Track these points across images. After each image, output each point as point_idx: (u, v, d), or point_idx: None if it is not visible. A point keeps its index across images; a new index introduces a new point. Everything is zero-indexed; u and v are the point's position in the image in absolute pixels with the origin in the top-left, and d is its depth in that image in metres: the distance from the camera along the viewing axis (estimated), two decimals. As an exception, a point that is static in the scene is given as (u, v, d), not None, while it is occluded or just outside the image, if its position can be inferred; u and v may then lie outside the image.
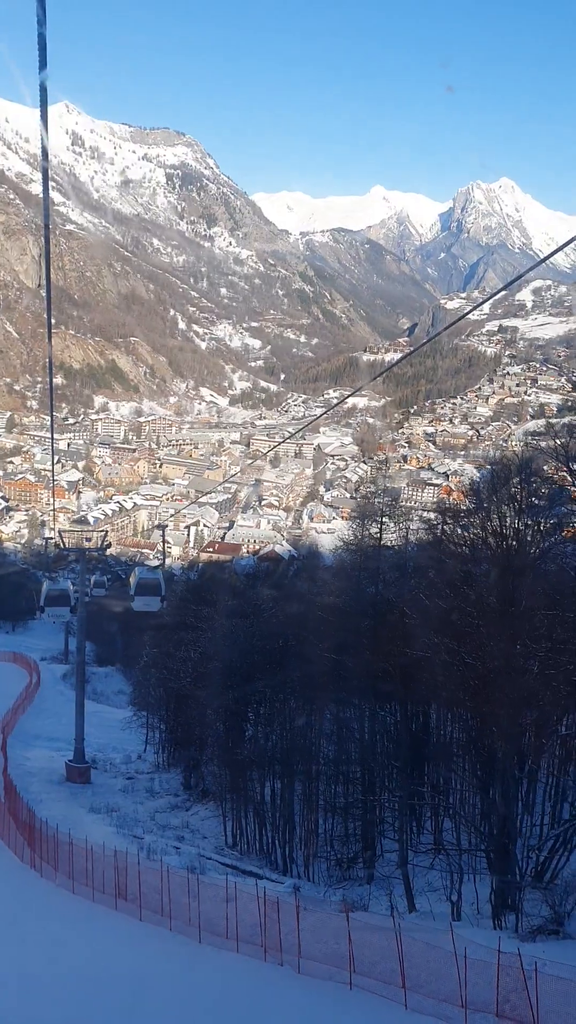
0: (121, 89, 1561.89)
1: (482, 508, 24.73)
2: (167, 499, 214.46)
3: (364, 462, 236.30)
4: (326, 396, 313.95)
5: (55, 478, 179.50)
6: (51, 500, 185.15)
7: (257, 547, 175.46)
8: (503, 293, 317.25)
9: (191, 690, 42.51)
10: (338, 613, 32.46)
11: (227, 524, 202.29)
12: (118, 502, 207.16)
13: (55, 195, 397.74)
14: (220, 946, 18.92)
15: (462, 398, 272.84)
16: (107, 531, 73.28)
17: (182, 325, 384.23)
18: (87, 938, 21.95)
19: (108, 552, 73.33)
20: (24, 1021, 16.12)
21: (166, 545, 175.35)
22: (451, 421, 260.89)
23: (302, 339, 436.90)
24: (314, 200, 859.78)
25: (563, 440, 27.45)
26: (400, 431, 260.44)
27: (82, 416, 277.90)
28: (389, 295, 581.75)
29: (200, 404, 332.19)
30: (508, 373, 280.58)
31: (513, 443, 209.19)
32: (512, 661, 20.72)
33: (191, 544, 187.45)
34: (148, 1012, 16.41)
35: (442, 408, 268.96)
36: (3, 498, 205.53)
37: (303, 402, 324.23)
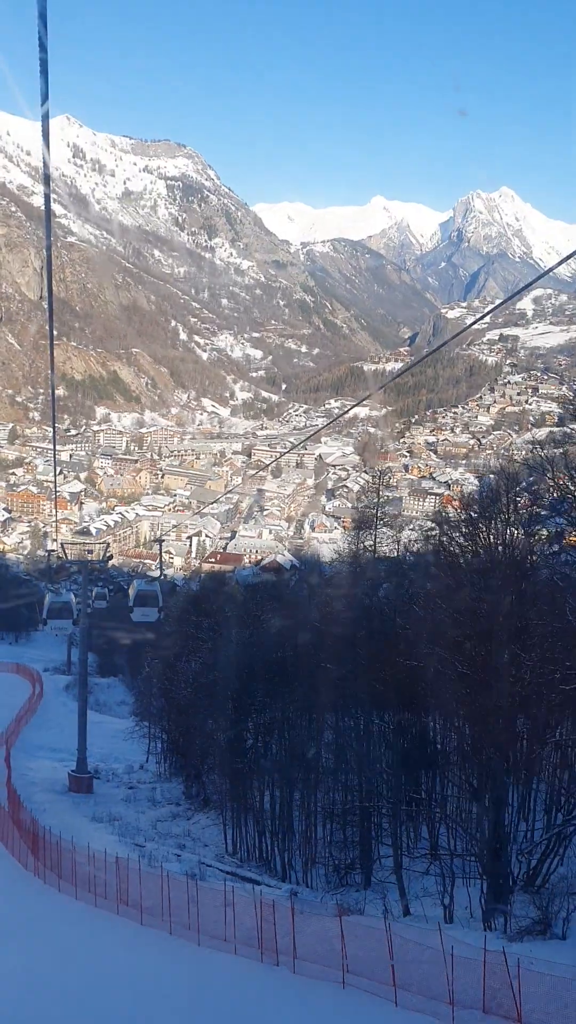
0: (122, 101, 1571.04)
1: (471, 521, 25.29)
2: (169, 510, 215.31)
3: (365, 472, 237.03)
4: (327, 406, 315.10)
5: (57, 489, 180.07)
6: (53, 511, 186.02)
7: (259, 557, 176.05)
8: (502, 300, 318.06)
9: (192, 700, 43.10)
10: (333, 623, 33.04)
11: (229, 534, 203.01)
12: (120, 513, 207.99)
13: (56, 207, 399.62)
14: (218, 948, 19.49)
15: (463, 407, 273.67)
16: (108, 543, 73.90)
17: (183, 336, 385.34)
18: (90, 942, 22.52)
19: (110, 563, 73.95)
20: (30, 1022, 16.64)
21: (168, 556, 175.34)
22: (452, 430, 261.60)
23: (303, 349, 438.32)
24: (315, 210, 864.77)
25: (564, 448, 27.96)
26: (401, 440, 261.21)
27: (84, 427, 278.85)
28: (390, 305, 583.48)
29: (202, 415, 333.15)
30: (509, 382, 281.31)
31: (514, 452, 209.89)
32: (503, 671, 21.28)
33: (193, 554, 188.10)
34: (148, 1011, 16.95)
35: (443, 417, 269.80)
36: (6, 510, 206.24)
37: (304, 412, 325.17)
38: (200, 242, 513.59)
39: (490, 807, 21.68)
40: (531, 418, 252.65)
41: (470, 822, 25.55)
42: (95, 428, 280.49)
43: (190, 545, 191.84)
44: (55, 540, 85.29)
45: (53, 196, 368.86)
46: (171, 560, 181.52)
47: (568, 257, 9.42)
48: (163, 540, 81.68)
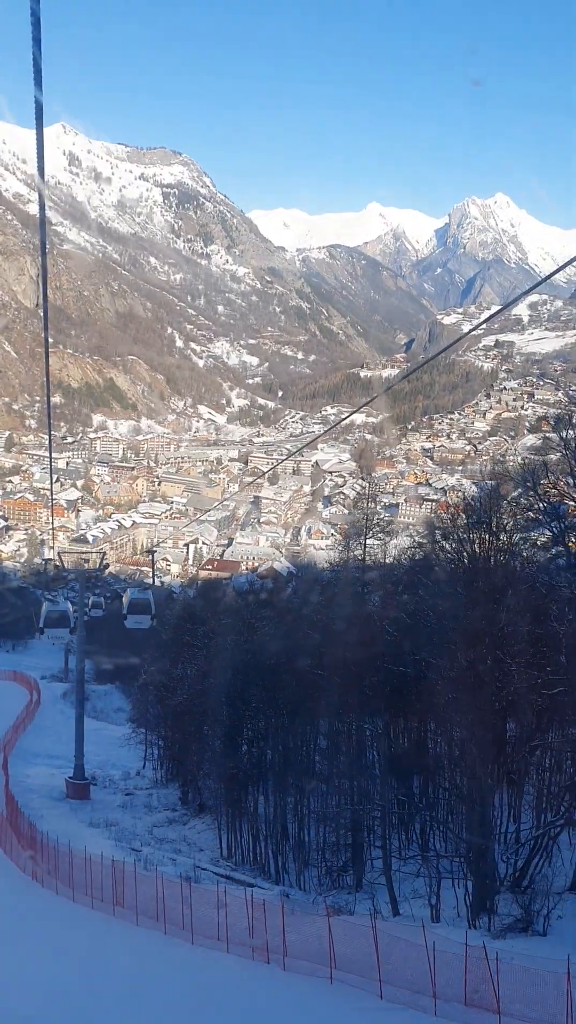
0: (118, 109, 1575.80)
1: (457, 530, 25.89)
2: (166, 517, 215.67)
3: (362, 478, 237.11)
4: (324, 413, 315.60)
5: (54, 497, 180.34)
6: (50, 519, 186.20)
7: (256, 564, 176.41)
8: (498, 308, 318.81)
9: (188, 707, 43.65)
10: (324, 631, 33.66)
11: (226, 541, 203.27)
12: (117, 520, 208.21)
13: (52, 215, 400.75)
14: (211, 947, 20.13)
15: (459, 413, 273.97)
16: (105, 552, 74.47)
17: (180, 343, 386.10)
18: (87, 942, 23.11)
19: (107, 572, 74.48)
20: (26, 1020, 17.18)
21: (166, 563, 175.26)
22: (448, 436, 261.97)
23: (299, 356, 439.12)
24: (310, 217, 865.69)
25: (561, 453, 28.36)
26: (398, 447, 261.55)
27: (80, 435, 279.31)
28: (386, 311, 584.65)
29: (198, 422, 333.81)
30: (505, 388, 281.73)
31: (510, 458, 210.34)
32: (487, 676, 21.88)
33: (190, 561, 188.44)
34: (142, 1007, 17.53)
35: (440, 424, 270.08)
36: (2, 517, 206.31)
37: (301, 419, 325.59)
38: (196, 249, 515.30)
39: (475, 809, 22.26)
40: (527, 424, 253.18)
41: (458, 824, 26.13)
42: (91, 436, 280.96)
43: (187, 552, 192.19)
44: (52, 548, 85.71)
45: (49, 204, 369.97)
46: (168, 567, 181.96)
47: (566, 264, 9.87)
48: (155, 551, 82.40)
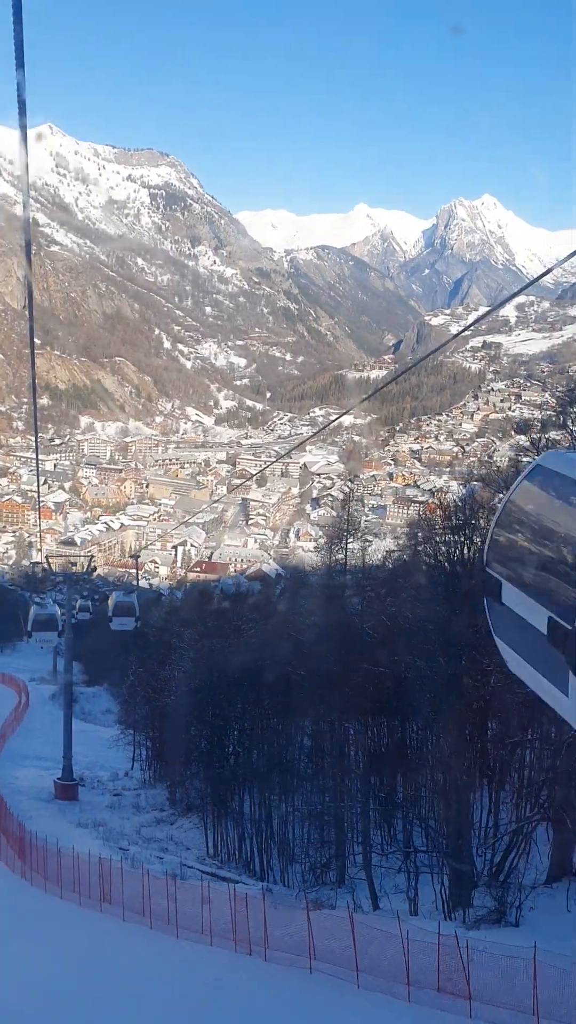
0: (105, 110, 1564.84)
1: (433, 538, 26.49)
2: (154, 519, 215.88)
3: (351, 480, 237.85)
4: (312, 414, 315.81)
5: (41, 499, 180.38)
6: (38, 521, 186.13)
7: (244, 566, 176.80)
8: (487, 309, 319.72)
9: (175, 708, 44.14)
10: (307, 633, 34.26)
11: (214, 544, 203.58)
12: (105, 523, 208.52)
13: (39, 216, 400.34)
14: (196, 940, 20.77)
15: (447, 415, 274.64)
16: (93, 555, 74.85)
17: (167, 344, 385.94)
18: (74, 938, 23.68)
19: (95, 575, 74.92)
20: (18, 1014, 17.70)
21: (154, 565, 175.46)
22: (436, 438, 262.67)
23: (287, 357, 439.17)
24: (298, 218, 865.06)
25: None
26: (386, 448, 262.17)
27: (68, 437, 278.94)
28: (374, 312, 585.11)
29: (186, 423, 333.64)
30: (492, 389, 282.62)
31: (498, 459, 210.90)
32: (461, 677, 22.51)
33: (178, 564, 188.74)
34: (128, 999, 18.10)
35: (427, 425, 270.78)
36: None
37: (289, 420, 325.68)
38: (183, 250, 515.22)
39: (452, 806, 22.89)
40: (515, 425, 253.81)
41: (438, 821, 26.75)
42: (79, 437, 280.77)
43: (175, 555, 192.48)
44: (40, 551, 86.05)
45: (36, 205, 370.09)
46: (156, 569, 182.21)
47: (557, 265, 10.49)
48: (139, 555, 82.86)
